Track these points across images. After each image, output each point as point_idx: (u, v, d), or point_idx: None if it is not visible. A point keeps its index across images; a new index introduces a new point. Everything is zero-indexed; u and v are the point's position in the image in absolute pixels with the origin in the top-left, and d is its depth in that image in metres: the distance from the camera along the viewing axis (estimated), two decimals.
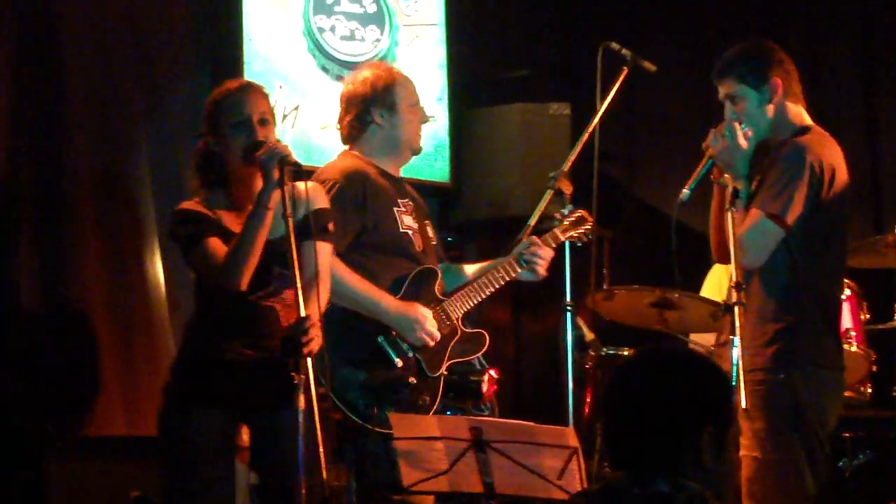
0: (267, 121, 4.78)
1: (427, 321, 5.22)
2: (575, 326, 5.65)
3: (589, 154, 5.92)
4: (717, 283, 6.63)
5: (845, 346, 6.02)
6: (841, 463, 6.53)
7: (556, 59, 8.45)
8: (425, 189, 6.16)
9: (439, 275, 5.37)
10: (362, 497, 5.15)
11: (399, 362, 5.18)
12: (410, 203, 5.44)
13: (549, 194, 5.50)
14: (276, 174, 4.55)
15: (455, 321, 5.34)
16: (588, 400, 6.66)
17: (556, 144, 7.31)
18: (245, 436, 4.97)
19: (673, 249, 4.88)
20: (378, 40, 7.32)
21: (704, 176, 4.91)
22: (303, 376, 4.32)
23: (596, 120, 5.77)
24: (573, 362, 5.57)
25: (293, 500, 4.34)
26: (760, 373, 4.78)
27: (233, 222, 4.73)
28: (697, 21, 8.12)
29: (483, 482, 4.46)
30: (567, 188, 5.52)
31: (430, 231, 5.52)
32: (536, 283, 5.53)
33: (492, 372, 5.55)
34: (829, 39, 7.92)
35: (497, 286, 5.40)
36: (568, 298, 5.55)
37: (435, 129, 7.37)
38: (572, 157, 5.62)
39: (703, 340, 6.49)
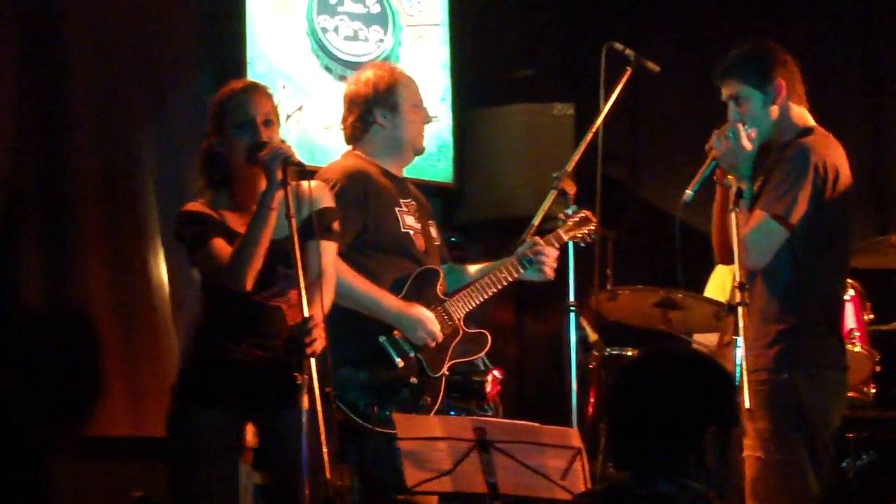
0: (271, 121, 4.78)
1: (429, 321, 5.22)
2: (578, 327, 5.66)
3: (592, 154, 5.93)
4: (721, 283, 6.62)
5: (849, 347, 6.02)
6: (844, 463, 6.53)
7: (559, 59, 8.45)
8: (429, 189, 6.16)
9: (441, 275, 5.37)
10: (365, 497, 5.15)
11: (400, 362, 5.18)
12: (413, 203, 5.44)
13: (552, 194, 5.50)
14: (279, 174, 4.56)
15: (457, 321, 5.33)
16: (592, 400, 6.66)
17: (560, 145, 7.31)
18: (250, 436, 4.97)
19: (677, 250, 4.88)
20: (381, 40, 7.32)
21: (708, 177, 4.92)
22: (306, 376, 4.33)
23: (599, 120, 5.78)
24: (577, 363, 5.57)
25: (297, 500, 4.34)
26: (764, 373, 4.78)
27: (237, 223, 4.74)
28: (701, 21, 8.12)
29: (487, 482, 4.46)
30: (571, 188, 5.52)
31: (433, 231, 5.52)
32: (540, 284, 5.53)
33: (495, 372, 5.56)
34: (831, 40, 7.92)
35: (499, 287, 5.40)
36: (571, 299, 5.55)
37: (438, 130, 7.37)
38: (576, 157, 5.62)
39: (706, 341, 6.49)
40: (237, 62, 6.72)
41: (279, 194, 4.56)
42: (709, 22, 8.09)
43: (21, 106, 6.06)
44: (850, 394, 5.89)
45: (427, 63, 7.46)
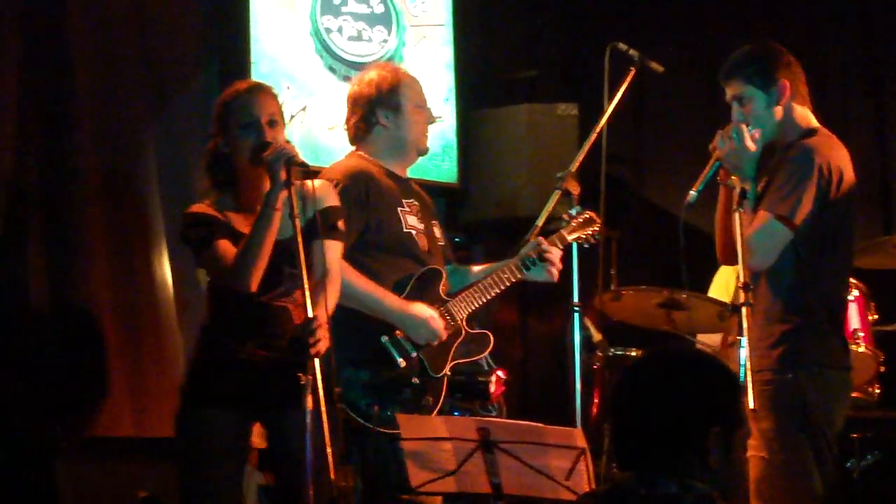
0: (276, 122, 4.79)
1: (432, 319, 5.22)
2: (582, 327, 5.66)
3: (596, 154, 5.93)
4: (725, 283, 6.62)
5: (853, 347, 6.03)
6: (849, 464, 6.53)
7: (563, 59, 8.45)
8: (433, 189, 6.16)
9: (444, 275, 5.37)
10: (367, 497, 5.15)
11: (402, 362, 5.18)
12: (416, 203, 5.44)
13: (556, 195, 5.50)
14: (282, 175, 4.56)
15: (459, 322, 5.33)
16: (596, 401, 6.66)
17: (564, 145, 7.31)
18: (255, 437, 4.98)
19: (681, 251, 4.88)
20: (385, 41, 7.32)
21: (711, 178, 4.92)
22: (310, 377, 4.33)
23: (603, 120, 5.78)
24: (581, 363, 5.57)
25: (302, 500, 4.35)
26: (768, 373, 4.78)
27: (243, 224, 4.74)
28: (704, 22, 8.12)
29: (491, 483, 4.46)
30: (574, 189, 5.52)
31: (437, 232, 5.52)
32: (543, 284, 5.53)
33: (499, 373, 5.56)
34: (834, 41, 7.91)
35: (502, 287, 5.40)
36: (575, 299, 5.55)
37: (442, 130, 7.37)
38: (580, 157, 5.63)
39: (710, 341, 6.49)
40: (241, 62, 6.73)
41: (283, 194, 4.56)
42: (712, 22, 8.08)
43: (23, 106, 6.07)
44: (854, 394, 5.90)
45: (431, 63, 7.46)
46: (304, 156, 4.72)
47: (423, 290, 5.29)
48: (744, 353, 4.46)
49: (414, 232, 5.37)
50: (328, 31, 7.12)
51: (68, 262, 6.16)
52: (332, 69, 7.12)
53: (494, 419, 5.38)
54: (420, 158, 5.66)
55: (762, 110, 4.97)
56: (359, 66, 6.75)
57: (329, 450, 4.27)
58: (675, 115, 8.11)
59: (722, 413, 3.19)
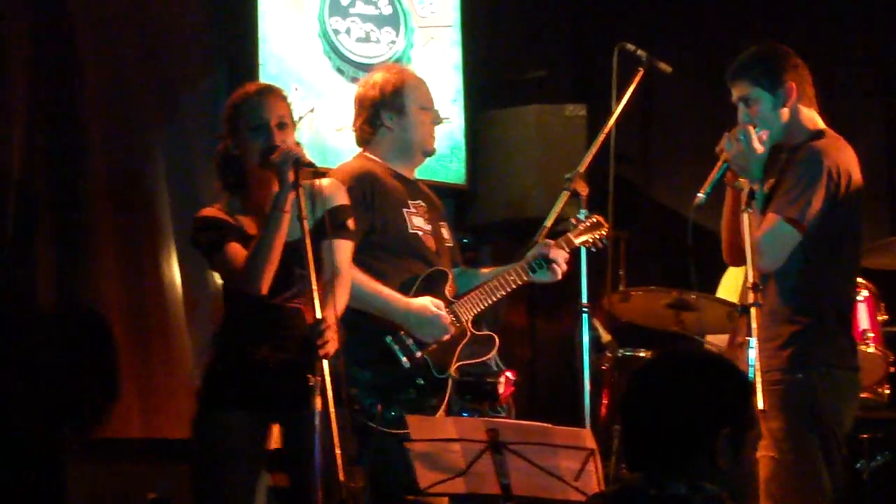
0: (285, 124, 4.80)
1: (439, 315, 5.22)
2: (591, 328, 5.65)
3: (605, 155, 5.93)
4: (734, 284, 6.61)
5: (862, 348, 6.04)
6: (859, 464, 6.52)
7: (571, 60, 8.45)
8: (441, 190, 6.15)
9: (450, 277, 5.38)
10: (374, 497, 5.14)
11: (406, 362, 5.19)
12: (423, 205, 5.45)
13: (564, 195, 5.49)
14: (290, 176, 4.57)
15: (465, 323, 5.34)
16: (605, 401, 6.65)
17: (572, 146, 7.30)
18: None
19: (690, 252, 4.87)
20: (393, 42, 7.32)
21: (719, 179, 4.91)
22: (318, 378, 4.34)
23: (612, 121, 5.77)
24: (590, 364, 5.56)
25: (313, 500, 4.35)
26: (777, 373, 4.79)
27: (253, 227, 4.76)
28: (713, 22, 8.11)
29: (500, 484, 4.46)
30: (583, 189, 5.52)
31: (444, 233, 5.52)
32: (552, 285, 5.53)
33: (508, 374, 5.55)
34: (844, 42, 7.91)
35: (508, 290, 5.40)
36: (584, 300, 5.54)
37: (450, 131, 7.37)
38: (588, 158, 5.62)
39: (719, 342, 6.48)
40: (249, 63, 6.73)
41: (292, 196, 4.57)
42: (720, 22, 8.08)
43: (32, 107, 6.07)
44: (864, 395, 5.90)
45: (439, 64, 7.46)
46: (312, 157, 4.73)
47: (429, 291, 5.29)
48: (752, 353, 4.45)
49: (420, 233, 5.38)
50: (336, 32, 7.12)
51: (76, 262, 6.16)
52: (340, 70, 7.11)
53: (503, 420, 5.38)
54: (428, 159, 5.66)
55: (769, 112, 4.97)
56: (367, 68, 6.75)
57: (338, 451, 4.28)
58: (683, 115, 8.10)
59: (731, 414, 3.18)
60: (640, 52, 5.96)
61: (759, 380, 4.41)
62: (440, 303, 5.28)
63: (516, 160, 7.61)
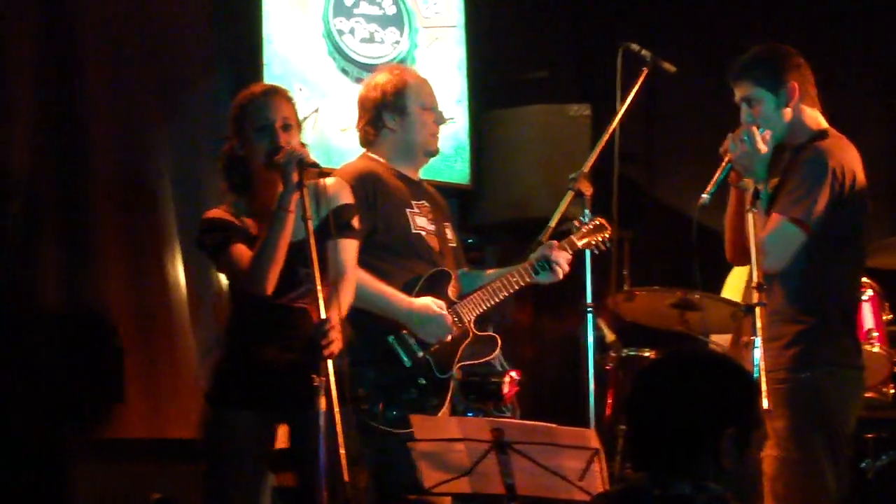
0: (290, 125, 4.81)
1: (441, 315, 5.22)
2: (596, 328, 5.64)
3: (609, 155, 5.93)
4: (739, 283, 6.61)
5: (867, 347, 6.03)
6: (863, 464, 6.51)
7: (575, 60, 8.45)
8: (445, 190, 6.15)
9: (453, 277, 5.38)
10: (376, 497, 5.15)
11: (408, 362, 5.19)
12: (426, 205, 5.46)
13: (569, 195, 5.49)
14: (294, 177, 4.58)
15: (467, 324, 5.34)
16: (609, 401, 6.65)
17: (576, 146, 7.30)
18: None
19: (695, 252, 4.87)
20: (397, 42, 7.32)
21: (723, 180, 4.92)
22: (323, 378, 4.34)
23: (616, 121, 5.77)
24: (594, 363, 5.56)
25: (318, 500, 4.36)
26: (783, 372, 4.79)
27: (258, 227, 4.76)
28: (717, 22, 8.11)
29: (504, 483, 4.46)
30: (587, 189, 5.52)
31: (448, 233, 5.53)
32: (557, 285, 5.53)
33: (513, 373, 5.56)
34: (848, 42, 7.90)
35: (510, 291, 5.41)
36: (589, 300, 5.54)
37: (455, 131, 7.38)
38: (592, 158, 5.61)
39: (723, 341, 6.47)
40: (253, 64, 6.73)
41: (296, 196, 4.58)
42: (725, 22, 8.07)
43: (36, 108, 6.08)
44: (869, 394, 5.91)
45: (443, 64, 7.46)
46: (316, 158, 4.73)
47: (432, 291, 5.30)
48: (757, 353, 4.45)
49: (423, 233, 5.39)
50: (340, 32, 7.12)
51: (80, 263, 6.16)
52: (344, 71, 7.12)
53: (508, 420, 5.38)
54: (432, 159, 5.67)
55: (771, 112, 4.98)
56: (371, 68, 6.74)
57: (342, 451, 4.28)
58: (687, 115, 8.10)
59: (736, 414, 3.18)
60: (644, 51, 5.95)
61: (763, 379, 4.41)
62: (442, 303, 5.28)
63: (520, 160, 7.61)
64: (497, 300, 5.40)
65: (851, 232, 4.97)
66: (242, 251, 4.71)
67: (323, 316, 4.42)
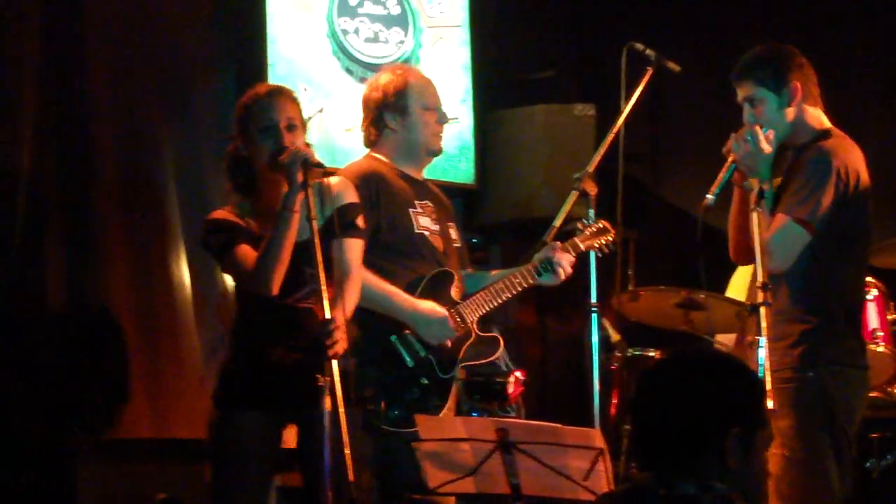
0: (295, 126, 4.80)
1: (445, 318, 5.22)
2: (600, 327, 5.64)
3: (614, 155, 5.93)
4: (743, 283, 6.61)
5: (872, 347, 6.03)
6: (868, 463, 6.50)
7: (580, 59, 8.45)
8: (450, 190, 6.15)
9: (456, 277, 5.38)
10: (380, 497, 5.15)
11: (411, 362, 5.20)
12: (430, 205, 5.46)
13: (573, 195, 5.49)
14: (299, 177, 4.57)
15: (470, 324, 5.34)
16: (614, 401, 6.65)
17: (581, 145, 7.31)
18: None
19: (700, 253, 4.88)
20: (402, 42, 7.32)
21: (728, 180, 4.91)
22: (327, 378, 4.34)
23: (621, 121, 5.77)
24: (599, 363, 5.56)
25: (335, 500, 4.36)
26: (788, 371, 4.79)
27: (263, 228, 4.76)
28: (722, 21, 8.10)
29: (509, 483, 4.46)
30: (592, 189, 5.52)
31: (453, 233, 5.53)
32: (562, 285, 5.53)
33: (518, 374, 5.55)
34: (853, 41, 7.89)
35: (513, 292, 5.40)
36: (593, 300, 5.54)
37: (459, 131, 7.38)
38: (597, 157, 5.62)
39: (728, 341, 6.48)
40: (258, 64, 6.73)
41: (300, 196, 4.58)
42: (729, 21, 8.07)
43: (42, 108, 6.07)
44: (874, 394, 5.90)
45: (448, 64, 7.46)
46: (321, 158, 4.73)
47: (435, 291, 5.30)
48: (762, 352, 4.45)
49: (427, 233, 5.39)
50: (345, 32, 7.12)
51: (86, 263, 6.17)
52: (349, 71, 7.12)
53: (513, 420, 5.38)
54: (437, 159, 5.68)
55: (774, 112, 4.97)
56: (375, 68, 6.74)
57: (347, 451, 4.28)
58: (692, 114, 8.09)
59: (741, 414, 3.18)
60: (648, 51, 5.96)
61: (768, 379, 4.40)
62: (447, 306, 5.28)
63: (525, 160, 7.61)
64: (500, 301, 5.40)
65: (856, 232, 4.96)
66: (247, 252, 4.71)
67: (328, 316, 4.42)
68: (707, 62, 7.61)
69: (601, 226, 5.58)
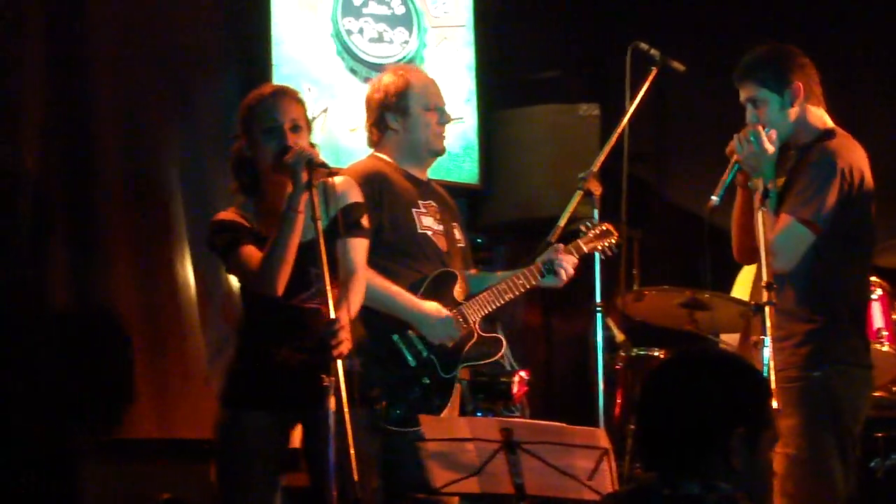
0: (299, 127, 4.80)
1: (449, 319, 5.22)
2: (605, 327, 5.65)
3: (618, 154, 5.92)
4: (748, 283, 6.60)
5: (877, 346, 6.03)
6: (873, 463, 6.50)
7: (585, 59, 8.44)
8: (454, 190, 6.15)
9: (459, 278, 5.38)
10: (384, 496, 5.15)
11: (413, 361, 5.20)
12: (434, 205, 5.46)
13: (578, 195, 5.49)
14: (304, 177, 4.58)
15: (472, 324, 5.34)
16: (619, 401, 6.65)
17: (586, 145, 7.30)
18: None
19: (705, 255, 4.88)
20: (406, 42, 7.32)
21: (731, 181, 4.92)
22: (332, 378, 4.34)
23: (625, 120, 5.77)
24: (603, 363, 5.56)
25: (340, 500, 4.36)
26: (794, 370, 4.80)
27: (268, 228, 4.75)
28: (727, 20, 8.10)
29: (514, 483, 4.46)
30: (596, 189, 5.52)
31: (457, 233, 5.53)
32: (566, 285, 5.52)
33: (522, 373, 5.56)
34: (856, 39, 7.89)
35: (516, 293, 5.40)
36: (598, 299, 5.54)
37: (464, 131, 7.38)
38: (601, 157, 5.62)
39: (732, 341, 6.47)
40: (262, 64, 6.74)
41: (305, 197, 4.58)
42: (734, 20, 8.06)
43: (46, 108, 6.08)
44: (878, 393, 5.90)
45: (452, 64, 7.46)
46: (325, 158, 4.73)
47: (437, 291, 5.30)
48: (767, 352, 4.45)
49: (430, 233, 5.39)
50: (349, 32, 7.12)
51: (90, 263, 6.17)
52: (353, 71, 7.12)
53: (517, 419, 5.38)
54: (441, 159, 5.68)
55: (776, 112, 4.98)
56: (380, 68, 6.73)
57: (352, 451, 4.28)
58: (697, 114, 8.09)
59: (745, 413, 3.18)
60: (653, 51, 5.95)
61: (772, 379, 4.41)
62: (450, 306, 5.28)
63: (529, 160, 7.61)
64: (502, 302, 5.39)
65: (860, 231, 4.97)
66: (252, 252, 4.71)
67: (332, 316, 4.42)
68: (712, 62, 7.60)
69: (604, 228, 5.58)
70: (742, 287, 6.69)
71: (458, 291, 5.35)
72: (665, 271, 7.30)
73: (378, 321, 5.14)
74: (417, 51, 7.35)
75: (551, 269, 5.41)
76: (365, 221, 4.91)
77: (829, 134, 4.99)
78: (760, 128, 4.89)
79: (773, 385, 4.38)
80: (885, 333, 6.34)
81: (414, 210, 5.37)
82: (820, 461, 4.78)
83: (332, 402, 4.32)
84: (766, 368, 4.42)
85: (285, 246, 4.63)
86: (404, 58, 7.22)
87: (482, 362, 5.40)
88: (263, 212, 4.82)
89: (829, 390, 4.79)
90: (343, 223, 4.74)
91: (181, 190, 6.47)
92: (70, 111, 6.19)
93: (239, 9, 6.86)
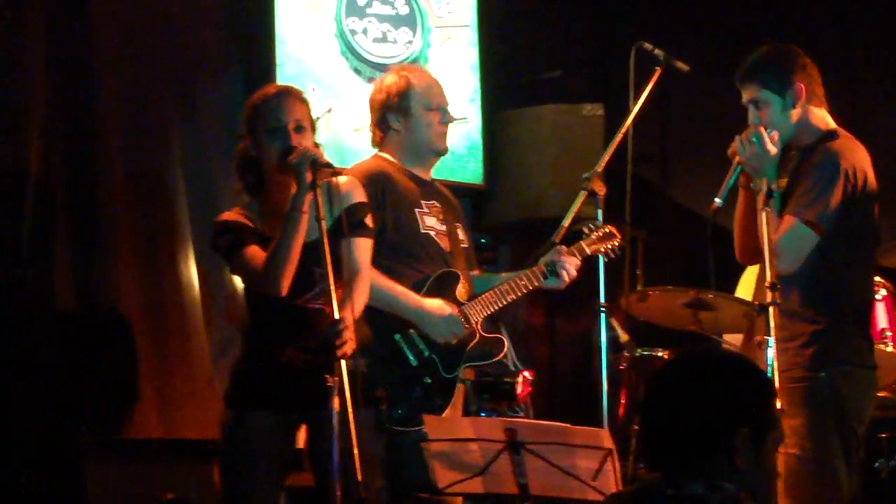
0: (303, 127, 4.80)
1: (451, 317, 5.22)
2: (609, 327, 5.64)
3: (622, 155, 5.92)
4: (752, 283, 6.60)
5: (881, 347, 6.02)
6: (877, 463, 6.49)
7: (589, 59, 8.44)
8: (458, 190, 6.16)
9: (462, 278, 5.38)
10: (388, 496, 5.15)
11: (414, 361, 5.20)
12: (437, 205, 5.46)
13: (582, 195, 5.48)
14: (308, 177, 4.57)
15: (474, 325, 5.34)
16: (622, 401, 6.65)
17: (590, 145, 7.30)
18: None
19: (709, 257, 4.88)
20: (410, 42, 7.32)
21: (734, 182, 4.91)
22: (336, 378, 4.34)
23: (629, 120, 5.76)
24: (607, 363, 5.55)
25: (344, 500, 4.36)
26: (799, 370, 4.80)
27: (272, 228, 4.75)
28: (731, 20, 8.09)
29: (517, 483, 4.46)
30: (600, 189, 5.51)
31: (460, 233, 5.53)
32: (570, 286, 5.52)
33: (526, 373, 5.55)
34: (857, 39, 7.88)
35: (519, 294, 5.40)
36: (602, 300, 5.53)
37: (468, 131, 7.38)
38: (606, 157, 5.61)
39: (736, 341, 6.47)
40: (266, 65, 6.74)
41: (309, 197, 4.58)
42: (738, 21, 8.06)
43: (50, 109, 6.08)
44: (882, 393, 5.89)
45: (456, 64, 7.46)
46: (329, 158, 4.73)
47: (440, 291, 5.31)
48: (771, 352, 4.45)
49: (433, 233, 5.39)
50: (353, 32, 7.12)
51: (94, 263, 6.17)
52: (357, 71, 7.12)
53: (521, 420, 5.38)
54: (445, 159, 5.69)
55: (778, 114, 4.98)
56: (384, 68, 6.73)
57: (356, 451, 4.28)
58: (701, 114, 8.08)
59: (749, 414, 3.17)
60: (657, 51, 5.95)
61: (776, 379, 4.40)
62: (453, 305, 5.28)
63: (533, 160, 7.61)
64: (505, 302, 5.39)
65: (864, 232, 4.97)
66: (256, 252, 4.71)
67: (336, 316, 4.42)
68: (715, 62, 7.60)
69: (607, 230, 5.57)
70: (746, 287, 6.68)
71: (460, 291, 5.35)
72: (669, 271, 7.30)
73: (380, 320, 5.15)
74: (421, 51, 7.35)
75: (553, 270, 5.41)
76: (369, 221, 4.92)
77: (831, 135, 4.99)
78: (762, 129, 4.89)
79: (777, 385, 4.37)
80: (889, 334, 6.33)
81: (417, 210, 5.38)
82: (824, 462, 4.78)
83: (336, 402, 4.32)
84: (769, 369, 4.42)
85: (289, 246, 4.63)
86: (408, 58, 7.22)
87: (484, 363, 5.39)
88: (267, 212, 4.82)
89: (833, 391, 4.79)
90: (347, 223, 4.74)
91: (185, 190, 6.47)
92: (72, 111, 6.20)
93: (242, 8, 6.87)
